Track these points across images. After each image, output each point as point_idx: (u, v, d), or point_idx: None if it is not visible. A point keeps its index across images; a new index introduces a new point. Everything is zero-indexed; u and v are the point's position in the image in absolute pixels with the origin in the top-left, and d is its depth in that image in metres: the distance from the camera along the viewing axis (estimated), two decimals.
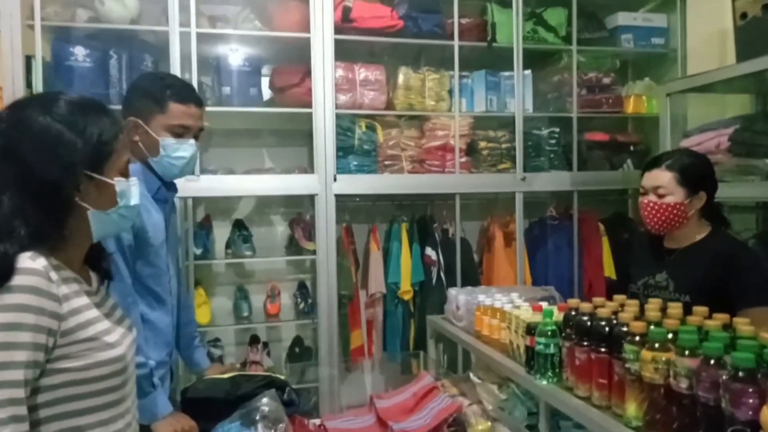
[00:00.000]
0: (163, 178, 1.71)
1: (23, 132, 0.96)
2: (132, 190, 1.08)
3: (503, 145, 3.00)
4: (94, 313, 1.00)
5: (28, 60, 2.39)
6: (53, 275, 0.94)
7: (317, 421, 1.87)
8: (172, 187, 1.77)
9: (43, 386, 0.92)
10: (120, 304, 1.16)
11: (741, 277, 1.65)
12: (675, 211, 1.73)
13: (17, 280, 0.89)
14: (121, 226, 1.11)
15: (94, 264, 1.10)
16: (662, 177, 1.75)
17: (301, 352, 2.98)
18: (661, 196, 1.75)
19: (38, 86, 2.39)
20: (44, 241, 0.95)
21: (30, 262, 0.91)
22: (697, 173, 1.76)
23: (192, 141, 1.68)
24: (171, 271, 1.76)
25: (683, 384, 1.01)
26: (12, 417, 0.86)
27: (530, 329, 1.48)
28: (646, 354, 1.09)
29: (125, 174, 1.07)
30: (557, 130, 3.07)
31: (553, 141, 3.07)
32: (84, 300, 0.99)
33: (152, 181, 1.67)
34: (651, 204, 1.76)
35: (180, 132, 1.65)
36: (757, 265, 1.72)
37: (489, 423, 1.68)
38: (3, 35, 2.33)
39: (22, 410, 0.87)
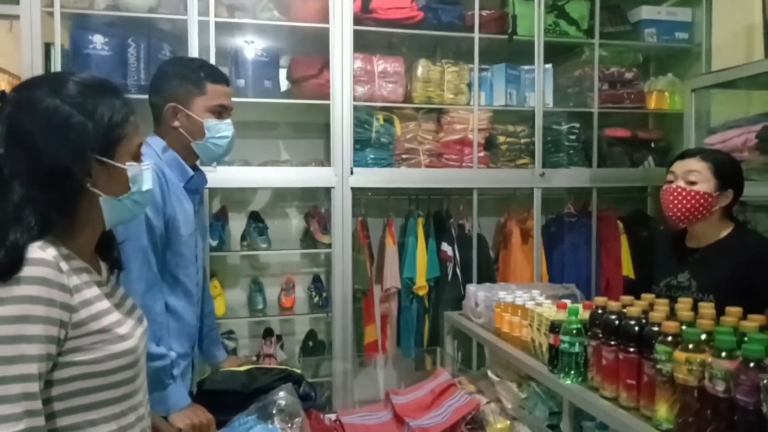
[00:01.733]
0: (206, 161, 1.72)
1: (31, 114, 0.92)
2: (145, 174, 1.04)
3: (522, 140, 2.96)
4: (105, 304, 0.97)
5: (47, 47, 2.38)
6: (64, 265, 0.91)
7: (333, 416, 1.86)
8: (202, 178, 1.76)
9: (55, 380, 0.90)
10: (136, 294, 1.14)
11: None
12: (702, 200, 1.70)
13: (27, 271, 0.86)
14: (134, 213, 1.07)
15: (104, 253, 1.07)
16: (698, 164, 1.74)
17: (314, 346, 2.96)
18: (691, 183, 1.72)
19: None
20: (54, 229, 0.91)
21: (40, 252, 0.88)
22: (730, 170, 1.75)
23: (230, 120, 1.70)
24: (198, 263, 1.75)
25: (720, 386, 0.97)
26: (26, 411, 0.83)
27: (554, 327, 1.44)
28: (679, 355, 1.05)
29: (137, 158, 1.03)
30: (577, 125, 3.02)
31: (572, 136, 3.02)
32: (95, 291, 0.97)
33: (185, 171, 1.65)
34: (679, 189, 1.73)
35: (220, 111, 1.66)
36: None
37: (508, 422, 1.65)
38: (23, 22, 2.33)
39: (37, 404, 0.85)
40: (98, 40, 2.49)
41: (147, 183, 1.04)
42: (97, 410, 0.94)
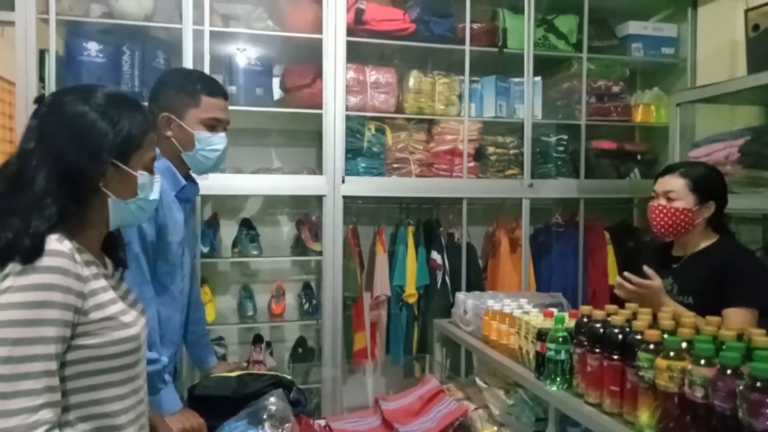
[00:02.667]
0: (195, 173, 1.73)
1: (61, 116, 1.03)
2: (154, 186, 1.13)
3: (511, 151, 3.00)
4: (111, 294, 1.05)
5: (42, 54, 2.40)
6: (77, 257, 0.99)
7: (322, 422, 1.88)
8: (194, 188, 1.78)
9: (67, 361, 0.98)
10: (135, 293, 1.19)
11: (739, 278, 1.68)
12: (682, 216, 1.76)
13: (46, 261, 0.94)
14: (138, 218, 1.15)
15: (110, 252, 1.15)
16: (675, 182, 1.79)
17: (304, 353, 2.97)
18: (671, 200, 1.78)
19: (51, 80, 2.40)
20: (68, 221, 0.99)
21: (57, 244, 0.97)
22: (709, 183, 1.80)
23: (223, 134, 1.71)
24: (185, 270, 1.76)
25: (698, 393, 1.01)
26: (46, 387, 0.92)
27: (541, 335, 1.48)
28: (661, 362, 1.09)
29: (149, 170, 1.12)
30: (565, 137, 3.07)
31: (560, 148, 3.07)
32: (102, 282, 1.05)
33: (177, 180, 1.68)
34: (660, 207, 1.80)
35: (213, 125, 1.68)
36: (757, 271, 1.75)
37: (495, 428, 1.68)
38: (17, 28, 2.34)
39: (55, 381, 0.94)
40: (93, 47, 2.51)
41: (154, 193, 1.14)
42: (103, 390, 1.02)
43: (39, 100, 1.06)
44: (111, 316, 1.03)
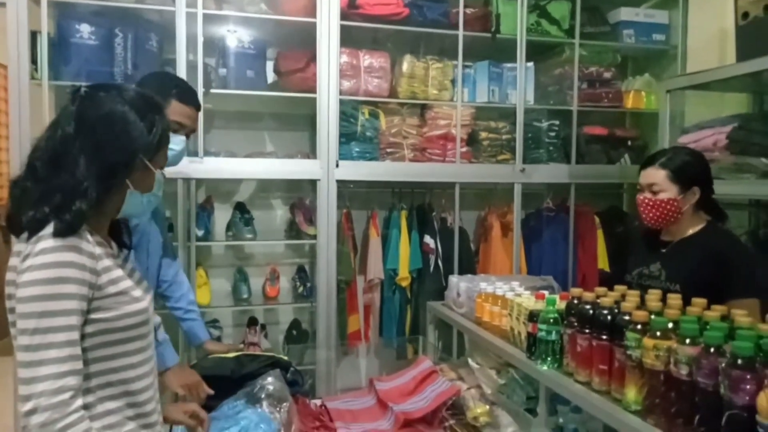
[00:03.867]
0: None
1: (100, 111, 1.10)
2: (162, 182, 1.23)
3: (503, 136, 3.03)
4: (120, 272, 1.13)
5: (34, 36, 2.38)
6: (89, 237, 1.07)
7: (318, 402, 1.92)
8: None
9: (86, 333, 1.05)
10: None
11: (731, 270, 1.71)
12: (668, 207, 1.79)
13: (62, 240, 1.02)
14: (144, 210, 1.26)
15: (115, 235, 1.22)
16: (656, 174, 1.82)
17: (298, 335, 3.01)
18: (655, 193, 1.81)
19: (43, 62, 2.39)
20: (96, 206, 1.08)
21: None
22: (689, 170, 1.82)
23: (183, 137, 1.81)
24: (151, 249, 1.84)
25: (683, 371, 1.05)
26: (70, 356, 1.00)
27: (532, 316, 1.52)
28: (647, 342, 1.13)
29: (162, 168, 1.24)
30: (557, 122, 3.10)
31: (552, 133, 3.10)
32: (111, 261, 1.12)
33: None
34: (646, 200, 1.83)
35: (175, 128, 1.75)
36: (746, 259, 1.79)
37: (487, 406, 1.73)
38: (9, 10, 2.32)
39: (78, 350, 1.02)
40: (85, 29, 2.49)
41: (160, 189, 1.24)
42: (119, 359, 1.10)
43: (75, 91, 1.13)
44: (123, 291, 1.10)
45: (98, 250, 1.08)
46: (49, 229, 1.02)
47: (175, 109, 1.76)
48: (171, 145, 1.71)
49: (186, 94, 1.81)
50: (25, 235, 1.05)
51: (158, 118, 1.16)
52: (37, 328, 0.99)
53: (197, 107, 1.84)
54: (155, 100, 1.20)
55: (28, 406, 0.97)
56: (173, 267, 2.02)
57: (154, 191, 1.21)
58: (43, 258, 1.00)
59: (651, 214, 1.82)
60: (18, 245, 1.06)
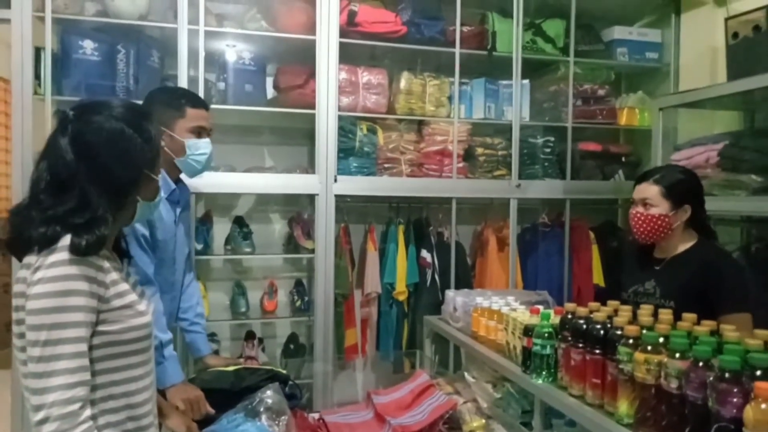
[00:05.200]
0: (188, 175, 1.94)
1: (99, 134, 1.12)
2: (163, 185, 1.30)
3: (499, 152, 3.07)
4: (125, 285, 1.15)
5: (38, 51, 2.42)
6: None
7: (316, 415, 1.93)
8: (185, 191, 1.98)
9: (92, 345, 1.07)
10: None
11: (722, 285, 1.75)
12: (660, 222, 1.83)
13: (64, 255, 1.04)
14: (152, 213, 1.32)
15: (115, 246, 1.25)
16: (649, 190, 1.86)
17: (295, 349, 3.02)
18: (647, 207, 1.85)
19: (47, 78, 2.42)
20: (108, 223, 1.11)
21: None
22: (682, 188, 1.86)
23: (208, 140, 1.92)
24: (176, 265, 1.90)
25: (673, 384, 1.08)
26: (79, 367, 1.03)
27: (527, 331, 1.54)
28: (639, 356, 1.16)
29: (158, 171, 1.26)
30: (552, 139, 3.15)
31: (547, 149, 3.14)
32: (117, 274, 1.14)
33: (168, 184, 1.86)
34: (638, 215, 1.87)
35: (198, 132, 1.88)
36: (737, 274, 1.83)
37: (483, 420, 1.75)
38: (13, 26, 2.36)
39: (86, 362, 1.05)
40: (88, 45, 2.53)
41: (163, 191, 1.31)
42: (123, 372, 1.12)
43: (61, 114, 1.13)
44: (128, 305, 1.13)
45: (106, 264, 1.10)
46: (65, 241, 1.04)
47: (192, 115, 1.87)
48: (201, 150, 1.89)
49: (196, 99, 1.94)
50: (35, 248, 1.06)
51: (151, 126, 1.19)
52: (48, 339, 1.01)
53: (207, 108, 1.95)
54: (143, 109, 1.23)
55: (39, 416, 0.99)
56: (188, 277, 2.09)
57: (160, 195, 1.26)
58: (54, 271, 1.02)
59: (642, 229, 1.86)
60: (28, 258, 1.07)
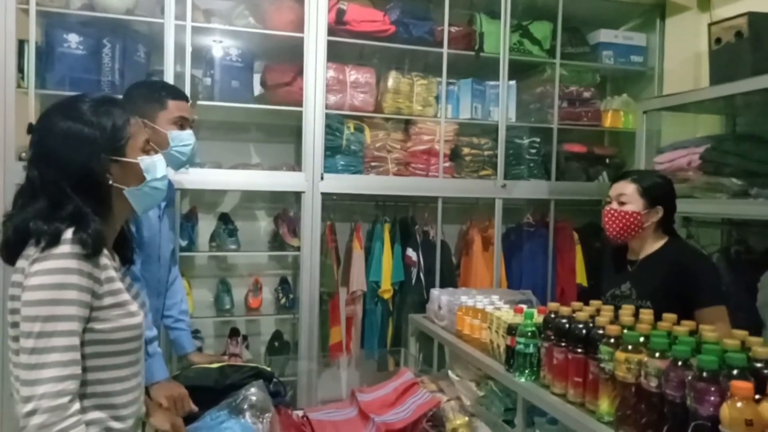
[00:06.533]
0: (173, 168, 1.88)
1: (52, 137, 1.14)
2: (157, 164, 1.23)
3: (485, 152, 3.09)
4: (120, 285, 1.15)
5: (21, 44, 2.39)
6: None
7: (300, 413, 1.93)
8: (170, 187, 1.89)
9: (83, 341, 1.07)
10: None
11: (697, 281, 1.80)
12: (632, 219, 1.88)
13: (62, 248, 1.05)
14: (156, 198, 1.27)
15: (119, 249, 1.26)
16: (626, 187, 1.92)
17: (280, 347, 3.02)
18: (622, 204, 1.90)
19: (30, 71, 2.39)
20: (85, 217, 1.10)
21: (73, 233, 1.07)
22: (657, 190, 1.92)
23: (190, 131, 1.89)
24: (161, 261, 1.89)
25: (653, 383, 1.10)
26: (71, 360, 1.04)
27: (511, 330, 1.56)
28: (619, 355, 1.18)
29: (147, 152, 1.22)
30: (538, 139, 3.17)
31: (533, 150, 3.17)
32: (113, 272, 1.14)
33: None
34: (612, 211, 1.92)
35: (181, 123, 1.85)
36: (708, 269, 1.90)
37: (467, 418, 1.76)
38: None
39: (77, 356, 1.06)
40: (73, 39, 2.51)
41: (161, 170, 1.23)
42: (108, 371, 1.12)
43: (29, 128, 1.16)
44: (120, 303, 1.13)
45: (104, 261, 1.11)
46: (68, 234, 1.05)
47: (174, 107, 1.85)
48: (184, 142, 1.86)
49: (175, 90, 1.92)
50: (32, 241, 1.07)
51: (104, 114, 1.16)
52: (42, 331, 1.02)
53: (187, 100, 1.94)
54: (102, 98, 1.20)
55: (29, 407, 0.99)
56: (172, 274, 2.07)
57: (151, 177, 1.21)
58: (52, 263, 1.03)
59: (614, 225, 1.90)
60: (28, 249, 1.08)
